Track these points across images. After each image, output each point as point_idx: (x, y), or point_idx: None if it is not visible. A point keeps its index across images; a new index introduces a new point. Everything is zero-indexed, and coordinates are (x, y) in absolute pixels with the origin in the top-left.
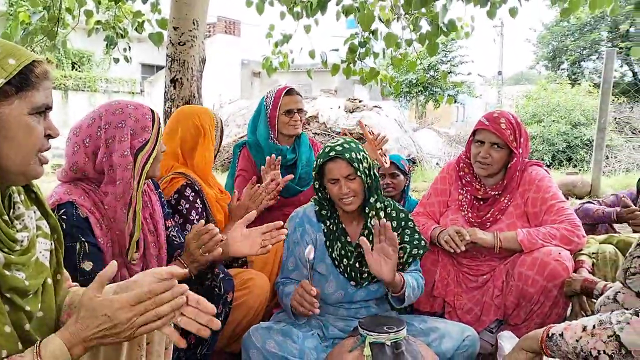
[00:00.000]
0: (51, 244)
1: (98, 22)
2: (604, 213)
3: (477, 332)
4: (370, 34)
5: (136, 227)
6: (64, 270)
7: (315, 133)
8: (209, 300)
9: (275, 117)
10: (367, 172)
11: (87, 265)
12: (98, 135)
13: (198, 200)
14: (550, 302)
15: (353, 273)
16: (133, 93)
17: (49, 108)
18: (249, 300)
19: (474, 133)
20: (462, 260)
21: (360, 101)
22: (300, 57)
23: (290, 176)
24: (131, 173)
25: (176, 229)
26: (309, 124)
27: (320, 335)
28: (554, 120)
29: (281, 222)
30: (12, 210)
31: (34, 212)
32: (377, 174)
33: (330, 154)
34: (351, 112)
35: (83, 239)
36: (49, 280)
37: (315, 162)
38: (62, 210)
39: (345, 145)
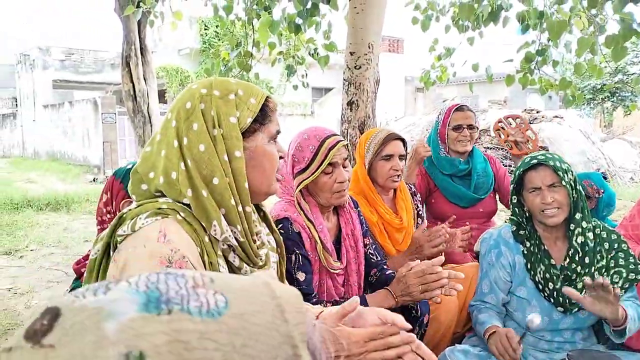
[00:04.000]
0: (277, 257)
1: (280, 52)
2: None
3: None
4: (549, 41)
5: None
6: (285, 281)
7: (487, 147)
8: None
9: (444, 133)
10: (573, 184)
11: (301, 276)
12: (290, 158)
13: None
14: None
15: (561, 298)
16: (305, 115)
17: (279, 132)
18: (439, 316)
19: None
20: None
21: (538, 112)
22: (465, 69)
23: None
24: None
25: (373, 246)
26: (479, 138)
27: None
28: None
29: (462, 274)
30: None
31: (264, 229)
32: (582, 191)
33: (532, 162)
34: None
35: (297, 251)
36: None
37: (513, 174)
38: (280, 225)
39: (548, 155)
